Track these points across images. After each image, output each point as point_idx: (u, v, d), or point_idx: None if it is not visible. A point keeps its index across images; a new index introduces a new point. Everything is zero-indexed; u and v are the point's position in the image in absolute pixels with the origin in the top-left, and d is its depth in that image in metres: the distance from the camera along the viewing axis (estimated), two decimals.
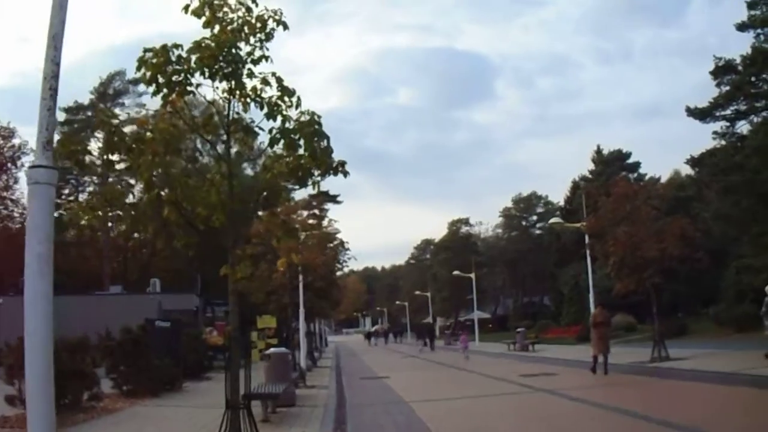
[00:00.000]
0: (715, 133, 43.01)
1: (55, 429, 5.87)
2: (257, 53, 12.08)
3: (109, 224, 66.81)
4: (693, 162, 47.03)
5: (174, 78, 11.59)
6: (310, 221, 44.04)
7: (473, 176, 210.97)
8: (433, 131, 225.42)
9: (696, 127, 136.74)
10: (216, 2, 11.70)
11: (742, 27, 42.25)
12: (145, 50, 11.57)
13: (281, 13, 12.05)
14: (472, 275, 65.85)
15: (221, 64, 11.75)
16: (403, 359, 49.74)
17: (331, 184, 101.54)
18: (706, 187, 49.07)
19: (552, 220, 45.42)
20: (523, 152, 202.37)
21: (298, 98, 12.40)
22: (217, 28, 11.81)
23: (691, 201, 53.19)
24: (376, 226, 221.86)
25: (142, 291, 50.55)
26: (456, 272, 69.15)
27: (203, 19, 11.78)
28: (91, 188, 61.77)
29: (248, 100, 12.12)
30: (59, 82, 5.93)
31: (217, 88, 12.09)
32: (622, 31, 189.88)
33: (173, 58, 11.61)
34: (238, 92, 12.11)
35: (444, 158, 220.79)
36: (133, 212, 12.19)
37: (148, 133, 11.28)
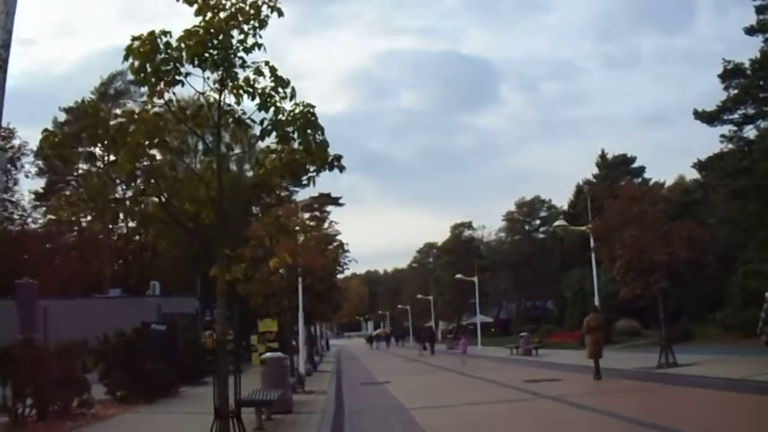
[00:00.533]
0: (722, 136, 42.80)
1: None
2: (250, 41, 11.51)
3: (111, 227, 66.76)
4: (700, 166, 46.65)
5: (162, 67, 11.05)
6: (311, 223, 43.51)
7: (477, 180, 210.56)
8: (437, 135, 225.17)
9: (701, 132, 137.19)
10: None
11: (750, 31, 42.07)
12: (133, 38, 11.06)
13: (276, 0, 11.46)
14: (475, 279, 65.29)
15: (211, 51, 11.18)
16: (405, 363, 49.26)
17: (333, 186, 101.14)
18: (713, 191, 48.60)
19: (556, 223, 44.83)
20: (527, 157, 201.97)
21: (293, 89, 11.86)
22: (209, 15, 11.25)
23: (697, 205, 52.60)
24: (378, 229, 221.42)
25: (143, 294, 50.23)
26: (459, 276, 68.65)
27: (195, 6, 11.24)
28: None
29: (240, 91, 11.56)
30: (9, 53, 5.29)
31: (208, 78, 11.56)
32: (628, 36, 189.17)
33: (161, 46, 11.08)
34: (229, 83, 11.57)
35: (447, 162, 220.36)
36: (114, 207, 11.57)
37: (132, 125, 10.67)
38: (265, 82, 11.70)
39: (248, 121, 11.76)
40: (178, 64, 11.24)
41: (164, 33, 11.11)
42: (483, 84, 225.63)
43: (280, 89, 11.71)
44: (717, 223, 45.24)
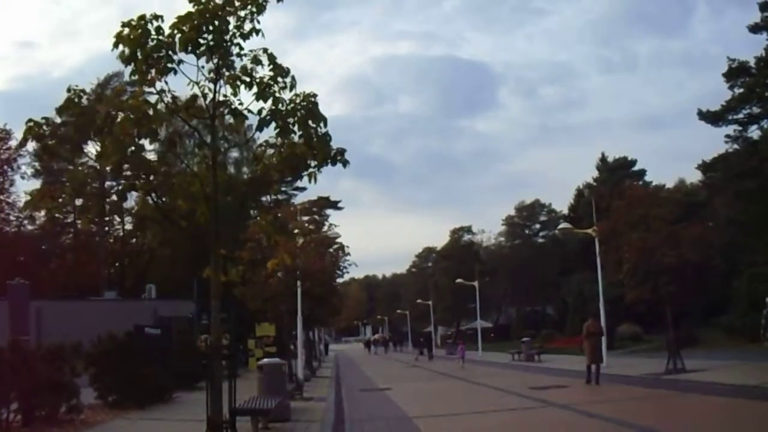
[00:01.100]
0: (727, 137, 42.44)
1: None
2: (247, 26, 10.82)
3: (107, 229, 66.18)
4: (704, 167, 46.09)
5: (154, 54, 10.38)
6: (310, 226, 42.85)
7: (476, 185, 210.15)
8: (435, 140, 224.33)
9: (701, 135, 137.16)
10: None
11: (755, 29, 41.68)
12: (123, 24, 10.39)
13: None
14: (476, 283, 64.56)
15: (205, 36, 10.49)
16: (405, 369, 48.63)
17: (332, 190, 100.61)
18: (718, 192, 48.03)
19: (560, 226, 43.97)
20: (526, 161, 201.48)
21: (293, 78, 11.21)
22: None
23: (699, 208, 51.93)
24: (377, 234, 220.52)
25: (139, 297, 49.86)
26: (459, 280, 67.95)
27: None
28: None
29: (237, 82, 10.89)
30: None
31: (203, 67, 10.89)
32: (626, 40, 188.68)
33: (152, 31, 10.41)
34: (225, 72, 10.89)
35: (446, 167, 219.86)
36: (100, 201, 10.83)
37: (120, 114, 9.95)
38: (263, 72, 11.07)
39: (245, 112, 11.09)
40: (170, 52, 10.59)
41: (156, 17, 10.47)
42: (481, 88, 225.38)
43: (279, 79, 11.08)
44: (722, 224, 44.51)
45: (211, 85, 10.94)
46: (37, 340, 22.64)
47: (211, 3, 10.55)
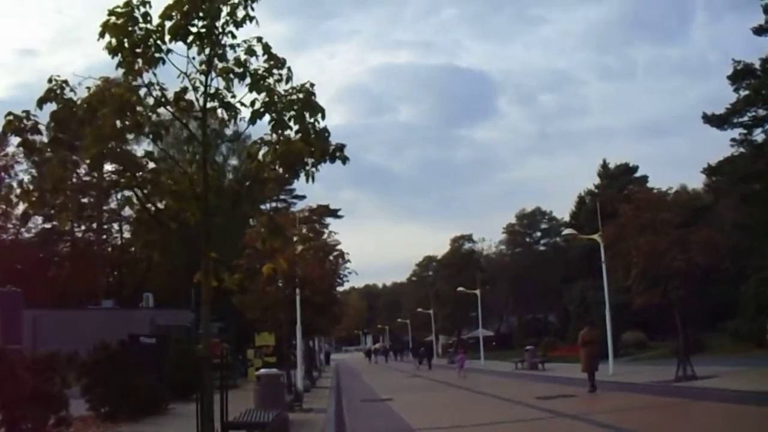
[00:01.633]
0: (733, 140, 42.05)
1: None
2: (240, 13, 10.14)
3: (104, 236, 65.59)
4: (710, 170, 45.55)
5: (141, 44, 9.72)
6: (309, 234, 42.18)
7: (476, 193, 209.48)
8: (435, 149, 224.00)
9: (702, 141, 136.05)
10: None
11: (759, 31, 41.28)
12: (110, 12, 9.71)
13: None
14: (477, 291, 64.00)
15: (195, 23, 9.81)
16: (406, 378, 48.00)
17: (331, 199, 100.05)
18: (724, 196, 47.45)
19: (565, 231, 43.40)
20: (526, 169, 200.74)
21: (289, 70, 10.51)
22: None
23: (704, 211, 51.30)
24: (377, 243, 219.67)
25: (137, 306, 49.31)
26: (461, 288, 67.38)
27: None
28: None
29: (231, 75, 10.21)
30: None
31: (193, 59, 10.21)
32: (624, 47, 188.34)
33: (139, 18, 9.74)
34: (217, 62, 10.21)
35: (446, 175, 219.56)
36: (80, 199, 10.14)
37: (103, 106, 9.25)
38: (257, 63, 10.39)
39: (238, 105, 10.42)
40: (159, 41, 9.92)
41: (143, 3, 9.81)
42: (480, 97, 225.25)
43: (275, 71, 10.39)
44: (727, 228, 43.88)
45: (203, 78, 10.27)
46: (33, 349, 22.17)
47: None
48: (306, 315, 32.45)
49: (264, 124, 10.45)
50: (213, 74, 10.25)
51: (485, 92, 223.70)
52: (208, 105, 10.36)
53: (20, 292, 23.21)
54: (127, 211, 54.24)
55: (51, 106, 9.47)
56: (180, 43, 10.09)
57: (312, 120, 10.30)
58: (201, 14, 9.82)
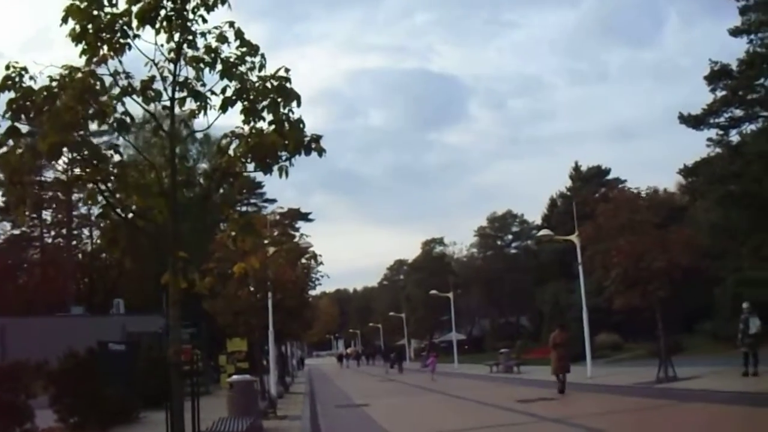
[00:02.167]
0: (709, 140, 42.03)
1: None
2: None
3: (74, 243, 64.70)
4: (686, 171, 45.53)
5: (106, 30, 9.06)
6: (282, 237, 41.57)
7: (447, 198, 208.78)
8: (406, 153, 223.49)
9: (674, 144, 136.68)
10: None
11: (735, 32, 41.54)
12: None
13: None
14: (450, 294, 63.71)
15: (164, 6, 9.16)
16: (380, 383, 47.70)
17: (302, 204, 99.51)
18: (700, 197, 47.37)
19: (541, 232, 42.96)
20: (497, 173, 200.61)
21: (263, 57, 9.88)
22: None
23: (679, 212, 51.27)
24: (348, 247, 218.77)
25: (107, 313, 48.76)
26: (433, 292, 67.00)
27: None
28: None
29: (201, 64, 9.56)
30: None
31: (162, 46, 9.56)
32: (597, 51, 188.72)
33: (104, 1, 9.08)
34: (187, 50, 9.56)
35: (417, 180, 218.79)
36: (37, 192, 9.43)
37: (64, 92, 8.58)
38: (230, 50, 9.76)
39: (208, 94, 9.77)
40: (126, 26, 9.26)
41: None
42: (452, 101, 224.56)
43: (248, 58, 9.76)
44: (703, 229, 43.84)
45: (171, 66, 9.62)
46: (2, 359, 21.61)
47: None
48: (278, 319, 31.97)
49: (237, 121, 9.89)
50: (182, 62, 9.63)
51: (456, 97, 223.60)
52: (178, 95, 9.73)
53: None
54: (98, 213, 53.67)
55: (9, 95, 8.80)
56: (148, 30, 9.48)
57: (286, 110, 9.71)
58: None
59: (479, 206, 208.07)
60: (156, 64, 9.60)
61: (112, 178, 9.16)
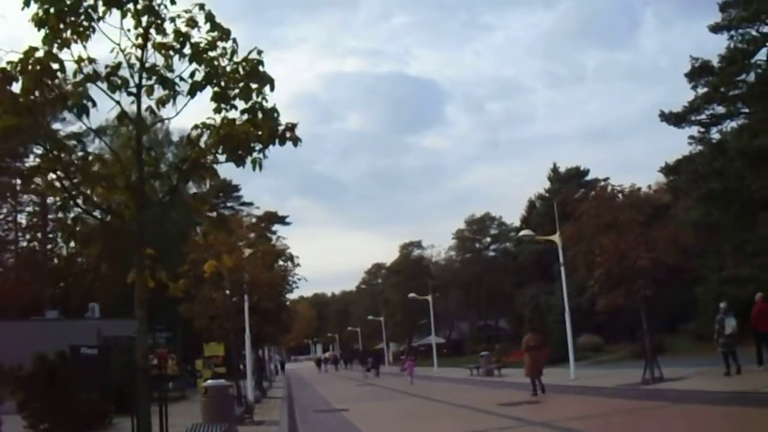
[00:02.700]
0: (691, 137, 41.87)
1: None
2: None
3: (48, 246, 63.87)
4: (668, 169, 45.40)
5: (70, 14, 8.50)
6: (258, 239, 41.02)
7: (424, 201, 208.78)
8: (383, 157, 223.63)
9: (652, 145, 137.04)
10: None
11: (716, 29, 41.55)
12: None
13: None
14: (429, 298, 63.33)
15: None
16: (358, 387, 47.12)
17: (279, 208, 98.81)
18: (682, 195, 47.17)
19: (522, 233, 42.53)
20: (474, 176, 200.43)
21: (234, 42, 9.33)
22: None
23: (661, 210, 51.07)
24: (325, 252, 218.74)
25: (83, 317, 48.19)
26: (412, 295, 66.56)
27: None
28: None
29: (171, 52, 9.00)
30: None
31: (128, 30, 8.98)
32: (573, 54, 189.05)
33: None
34: (155, 35, 9.00)
35: (395, 183, 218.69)
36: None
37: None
38: (200, 35, 9.20)
39: (177, 80, 9.21)
40: (90, 9, 8.68)
41: None
42: (429, 104, 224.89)
43: (219, 43, 9.20)
44: (684, 228, 43.58)
45: (139, 52, 9.05)
46: None
47: None
48: (255, 323, 31.34)
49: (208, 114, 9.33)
50: (150, 48, 9.07)
51: (434, 100, 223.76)
52: (145, 82, 9.16)
53: None
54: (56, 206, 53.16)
55: None
56: (114, 14, 8.93)
57: (259, 98, 9.16)
58: None
59: (457, 209, 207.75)
60: (122, 50, 9.05)
61: (72, 169, 8.56)
